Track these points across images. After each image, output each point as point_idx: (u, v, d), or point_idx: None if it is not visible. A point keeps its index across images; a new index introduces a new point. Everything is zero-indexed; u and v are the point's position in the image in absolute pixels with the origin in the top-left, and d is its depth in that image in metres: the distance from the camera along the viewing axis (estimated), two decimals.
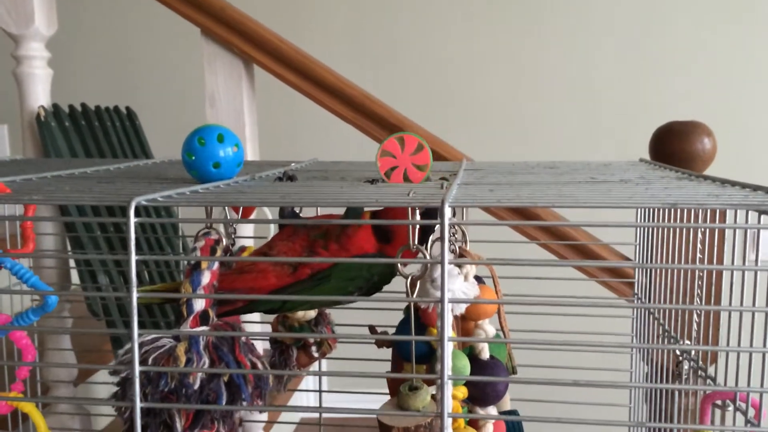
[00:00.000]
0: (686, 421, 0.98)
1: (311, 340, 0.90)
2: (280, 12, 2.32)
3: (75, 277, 1.45)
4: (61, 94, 1.50)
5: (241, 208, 0.80)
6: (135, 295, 0.51)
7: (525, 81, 2.29)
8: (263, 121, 1.54)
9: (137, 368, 0.51)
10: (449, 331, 0.52)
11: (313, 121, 2.30)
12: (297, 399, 1.93)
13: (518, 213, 1.13)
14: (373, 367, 0.99)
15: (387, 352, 1.02)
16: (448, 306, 0.65)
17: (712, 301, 0.88)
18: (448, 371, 0.51)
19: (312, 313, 0.93)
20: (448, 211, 0.47)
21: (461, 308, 0.67)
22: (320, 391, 1.12)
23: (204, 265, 0.65)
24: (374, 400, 1.09)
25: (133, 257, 0.51)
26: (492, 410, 0.75)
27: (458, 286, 0.65)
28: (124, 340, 1.26)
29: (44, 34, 1.34)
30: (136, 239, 1.29)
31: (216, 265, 0.66)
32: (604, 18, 2.25)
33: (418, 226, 0.74)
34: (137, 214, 0.51)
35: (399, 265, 0.61)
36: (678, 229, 1.05)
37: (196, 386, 0.56)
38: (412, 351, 0.68)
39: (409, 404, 0.60)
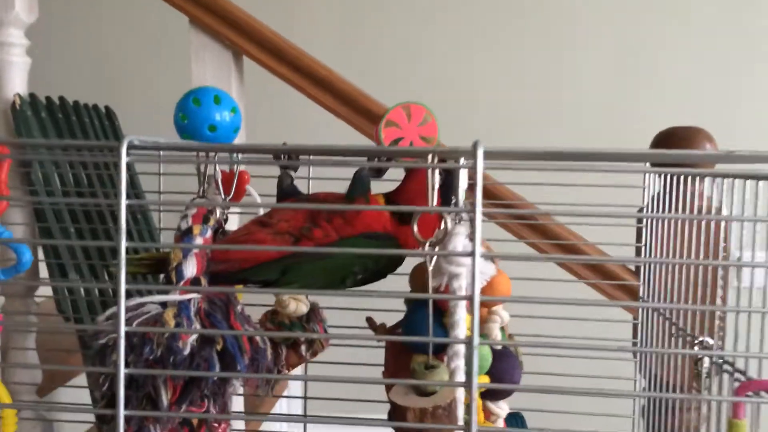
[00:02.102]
0: None
1: (302, 339, 0.84)
2: (270, 4, 2.26)
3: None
4: (38, 87, 1.44)
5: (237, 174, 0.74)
6: (123, 243, 0.45)
7: (518, 81, 2.24)
8: (252, 116, 1.48)
9: (123, 327, 0.45)
10: (475, 327, 0.46)
11: (304, 117, 2.22)
12: (279, 407, 1.84)
13: (534, 229, 1.10)
14: (367, 372, 0.93)
15: (379, 355, 0.96)
16: (463, 290, 0.61)
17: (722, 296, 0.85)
18: (476, 377, 0.45)
19: (304, 308, 0.87)
20: (480, 156, 0.42)
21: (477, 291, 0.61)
22: (305, 398, 1.05)
23: (196, 231, 0.59)
24: (366, 408, 1.03)
25: (123, 202, 0.45)
26: (504, 405, 0.69)
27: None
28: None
29: (24, 21, 1.28)
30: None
31: (209, 232, 0.60)
32: (595, 22, 2.24)
33: (437, 193, 0.69)
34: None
35: (416, 232, 0.56)
36: (684, 225, 1.02)
37: (186, 351, 0.49)
38: (436, 344, 0.62)
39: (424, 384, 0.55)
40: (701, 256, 1.00)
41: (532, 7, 2.26)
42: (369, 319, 0.75)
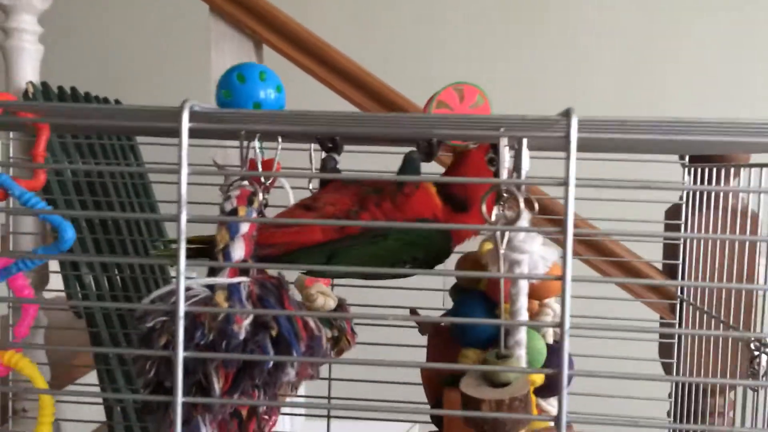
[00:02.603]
0: None
1: (328, 335, 0.80)
2: None
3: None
4: (48, 76, 1.40)
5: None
6: (184, 216, 0.42)
7: (529, 77, 2.20)
8: None
9: (182, 306, 0.42)
10: (566, 309, 0.43)
11: (326, 109, 2.17)
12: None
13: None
14: (397, 373, 0.89)
15: (413, 354, 0.93)
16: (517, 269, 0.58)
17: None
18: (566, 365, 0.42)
19: (332, 303, 0.83)
20: (574, 126, 0.39)
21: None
22: (329, 398, 1.02)
23: (242, 212, 0.56)
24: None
25: (185, 171, 0.42)
26: (554, 401, 0.66)
27: (537, 249, 0.56)
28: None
29: (38, 7, 1.24)
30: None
31: (254, 215, 0.57)
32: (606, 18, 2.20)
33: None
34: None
35: (484, 210, 0.52)
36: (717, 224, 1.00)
37: (242, 336, 0.46)
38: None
39: (499, 374, 0.51)
40: (736, 258, 0.97)
41: (544, 6, 2.22)
42: (413, 311, 0.71)
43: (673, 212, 1.09)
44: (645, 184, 0.80)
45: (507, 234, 0.56)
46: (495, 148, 0.69)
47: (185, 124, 0.41)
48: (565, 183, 0.39)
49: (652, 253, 1.16)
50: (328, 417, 1.00)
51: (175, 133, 0.41)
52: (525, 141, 0.47)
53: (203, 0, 1.19)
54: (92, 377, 1.22)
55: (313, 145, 0.91)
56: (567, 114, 0.39)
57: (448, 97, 0.64)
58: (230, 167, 0.97)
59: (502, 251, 0.53)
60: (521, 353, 0.56)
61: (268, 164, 0.71)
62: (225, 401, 0.46)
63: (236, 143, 1.05)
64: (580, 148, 0.62)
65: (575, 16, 2.24)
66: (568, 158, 0.39)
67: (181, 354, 0.41)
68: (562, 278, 0.41)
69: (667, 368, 1.04)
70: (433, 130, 0.51)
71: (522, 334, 0.58)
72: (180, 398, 0.41)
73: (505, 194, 0.51)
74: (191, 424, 0.47)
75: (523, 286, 0.58)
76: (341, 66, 1.18)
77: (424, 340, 0.75)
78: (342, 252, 0.59)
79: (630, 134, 0.40)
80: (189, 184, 0.43)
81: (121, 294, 1.15)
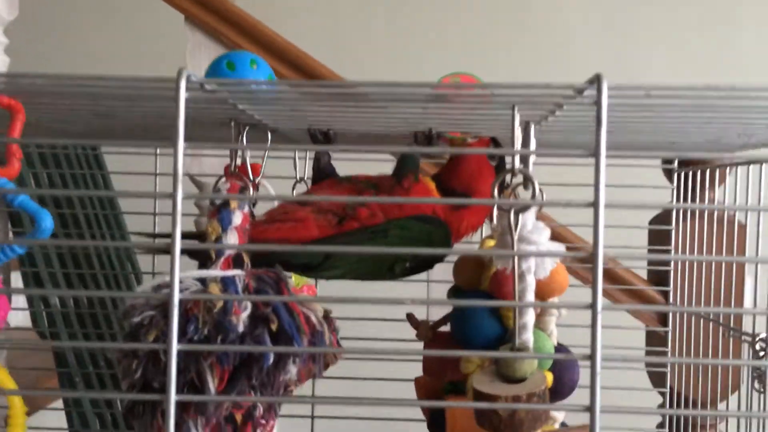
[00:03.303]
0: None
1: None
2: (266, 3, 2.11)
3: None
4: None
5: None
6: (180, 196, 0.38)
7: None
8: None
9: (176, 295, 0.38)
10: (598, 291, 0.40)
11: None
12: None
13: None
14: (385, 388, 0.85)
15: (393, 370, 0.88)
16: (532, 272, 0.55)
17: None
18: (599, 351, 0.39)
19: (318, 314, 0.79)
20: (605, 92, 0.37)
21: (546, 273, 0.55)
22: (312, 417, 0.97)
23: (234, 205, 0.52)
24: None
25: (181, 147, 0.38)
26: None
27: (545, 242, 0.54)
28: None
29: (4, 18, 1.19)
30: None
31: (246, 208, 0.53)
32: None
33: (492, 172, 0.64)
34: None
35: (496, 197, 0.50)
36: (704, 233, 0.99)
37: (240, 329, 0.42)
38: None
39: (515, 369, 0.48)
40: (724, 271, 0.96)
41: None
42: (410, 316, 0.68)
43: (659, 221, 1.08)
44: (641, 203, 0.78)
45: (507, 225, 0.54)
46: (495, 142, 0.67)
47: (182, 93, 0.38)
48: (595, 154, 0.37)
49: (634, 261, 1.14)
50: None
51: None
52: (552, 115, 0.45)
53: (178, 10, 1.16)
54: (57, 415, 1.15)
55: (297, 153, 0.88)
56: (597, 79, 0.37)
57: (446, 89, 0.62)
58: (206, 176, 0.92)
59: (516, 237, 0.50)
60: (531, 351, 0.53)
61: (255, 168, 0.68)
62: (221, 398, 0.42)
63: (212, 152, 1.01)
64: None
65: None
66: (598, 126, 0.37)
67: (174, 346, 0.37)
68: (592, 307, 0.38)
69: (658, 378, 1.02)
70: (444, 112, 0.48)
71: (530, 333, 0.55)
72: (173, 396, 0.37)
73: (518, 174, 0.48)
74: (182, 430, 0.43)
75: (531, 282, 0.55)
76: (321, 75, 1.15)
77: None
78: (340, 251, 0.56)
79: (665, 99, 0.38)
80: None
81: (87, 312, 1.09)
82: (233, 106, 0.50)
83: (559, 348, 0.64)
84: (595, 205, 0.37)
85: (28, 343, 1.12)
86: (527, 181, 0.51)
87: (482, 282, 0.66)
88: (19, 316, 1.39)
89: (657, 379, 1.03)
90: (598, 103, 0.37)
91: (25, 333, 1.35)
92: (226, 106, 0.51)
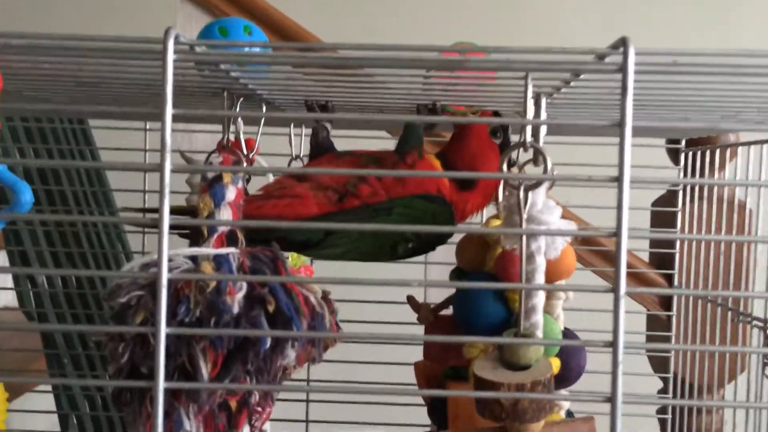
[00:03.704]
0: None
1: None
2: None
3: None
4: None
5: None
6: (168, 166, 0.35)
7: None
8: None
9: (165, 273, 0.35)
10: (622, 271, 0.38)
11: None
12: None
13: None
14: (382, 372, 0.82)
15: (395, 353, 0.86)
16: (542, 252, 0.52)
17: None
18: (622, 338, 0.36)
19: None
20: (632, 56, 0.34)
21: (557, 253, 0.53)
22: (307, 401, 0.95)
23: (227, 179, 0.49)
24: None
25: (169, 109, 0.35)
26: (565, 393, 0.60)
27: (556, 221, 0.51)
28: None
29: None
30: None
31: (240, 182, 0.50)
32: None
33: (497, 151, 0.61)
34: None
35: (505, 171, 0.47)
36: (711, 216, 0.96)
37: (235, 310, 0.39)
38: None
39: (520, 356, 0.46)
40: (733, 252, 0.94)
41: None
42: (411, 298, 0.65)
43: (662, 203, 1.05)
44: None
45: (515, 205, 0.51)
46: (498, 115, 0.64)
47: (170, 54, 0.35)
48: (621, 124, 0.34)
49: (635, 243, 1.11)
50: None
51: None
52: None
53: None
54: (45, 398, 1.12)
55: (293, 129, 0.84)
56: (623, 42, 0.34)
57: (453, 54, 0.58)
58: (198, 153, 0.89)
59: (525, 215, 0.47)
60: (539, 335, 0.50)
61: (249, 143, 0.65)
62: (214, 386, 0.39)
63: (203, 127, 0.97)
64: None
65: None
66: (624, 94, 0.34)
67: (163, 329, 0.34)
68: (614, 290, 0.35)
69: (659, 363, 1.00)
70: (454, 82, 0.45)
71: (539, 316, 0.52)
72: (161, 383, 0.34)
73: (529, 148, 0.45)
74: (173, 418, 0.40)
75: (541, 263, 0.52)
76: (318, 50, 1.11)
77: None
78: (341, 229, 0.53)
79: (695, 66, 0.35)
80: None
81: (76, 292, 1.06)
82: (225, 73, 0.47)
83: (566, 333, 0.61)
84: (619, 180, 0.34)
85: (8, 325, 1.09)
86: (538, 157, 0.48)
87: (486, 263, 0.63)
88: (8, 296, 1.35)
89: (658, 364, 1.01)
90: (623, 68, 0.34)
91: (12, 314, 1.32)
92: (218, 74, 0.48)
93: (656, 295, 1.01)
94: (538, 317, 0.52)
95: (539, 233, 0.46)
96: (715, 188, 0.96)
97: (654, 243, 1.03)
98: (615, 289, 0.35)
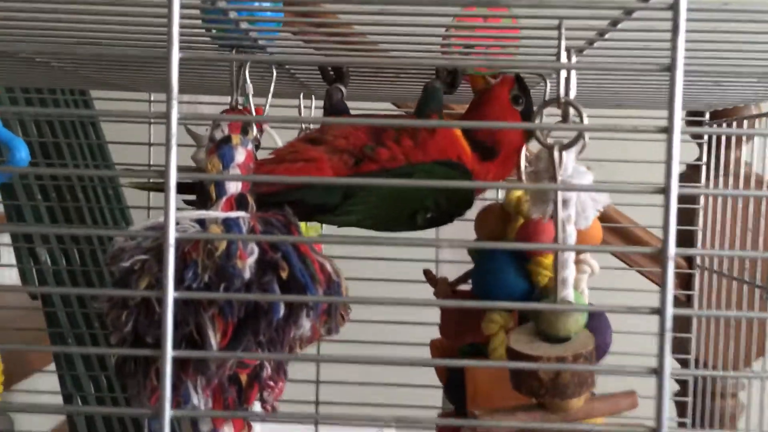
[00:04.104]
0: None
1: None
2: None
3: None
4: None
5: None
6: (175, 114, 0.32)
7: None
8: None
9: (172, 233, 0.32)
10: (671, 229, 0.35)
11: None
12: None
13: None
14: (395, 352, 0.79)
15: (409, 333, 0.82)
16: (572, 220, 0.49)
17: None
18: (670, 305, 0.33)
19: None
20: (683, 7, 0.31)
21: (588, 223, 0.49)
22: (317, 382, 0.92)
23: (236, 140, 0.46)
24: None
25: (175, 57, 0.32)
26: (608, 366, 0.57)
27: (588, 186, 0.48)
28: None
29: None
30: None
31: (250, 145, 0.47)
32: None
33: (522, 134, 0.58)
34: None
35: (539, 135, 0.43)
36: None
37: (246, 275, 0.36)
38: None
39: (558, 327, 0.43)
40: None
41: None
42: (427, 272, 0.62)
43: (682, 180, 1.02)
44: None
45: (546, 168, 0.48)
46: (520, 81, 0.61)
47: (176, 9, 0.32)
48: (671, 68, 0.31)
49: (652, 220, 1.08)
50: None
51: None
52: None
53: None
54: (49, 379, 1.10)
55: (303, 100, 0.81)
56: None
57: (470, 19, 0.55)
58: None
59: (560, 177, 0.44)
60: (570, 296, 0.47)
61: (258, 112, 0.62)
62: (225, 355, 0.36)
63: (207, 98, 0.94)
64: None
65: None
66: (675, 35, 0.30)
67: (170, 293, 0.31)
68: (662, 252, 0.32)
69: (678, 344, 0.97)
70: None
71: (570, 290, 0.49)
72: (170, 351, 0.32)
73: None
74: (180, 391, 0.38)
75: (572, 232, 0.49)
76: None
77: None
78: (362, 190, 0.50)
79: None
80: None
81: (80, 269, 1.03)
82: (235, 25, 0.44)
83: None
84: (669, 131, 0.31)
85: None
86: (567, 114, 0.45)
87: (507, 235, 0.60)
88: (12, 275, 1.33)
89: (676, 345, 0.98)
90: (674, 5, 0.31)
91: (15, 296, 1.30)
92: (227, 24, 0.45)
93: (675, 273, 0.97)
94: (569, 290, 0.49)
95: (586, 189, 0.43)
96: (743, 164, 0.93)
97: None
98: (663, 251, 0.32)
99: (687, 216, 0.96)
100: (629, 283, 0.98)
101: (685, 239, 0.95)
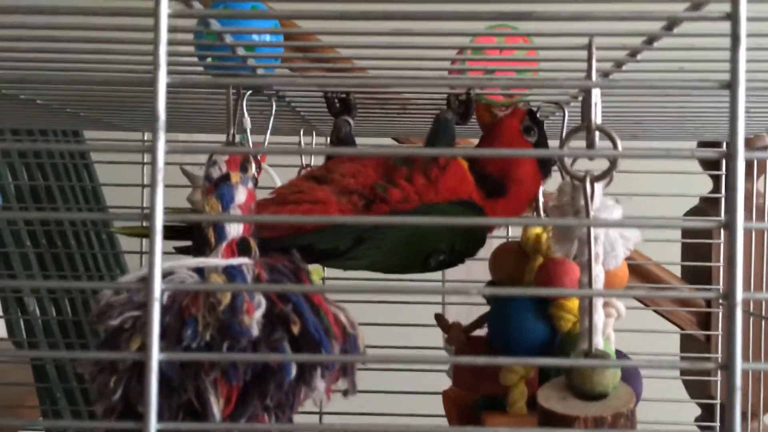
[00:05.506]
0: None
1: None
2: None
3: None
4: None
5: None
6: (162, 144, 0.28)
7: None
8: None
9: (158, 287, 0.27)
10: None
11: None
12: None
13: None
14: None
15: (417, 381, 0.77)
16: (600, 259, 0.45)
17: None
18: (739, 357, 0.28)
19: None
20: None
21: (618, 262, 0.45)
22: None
23: (234, 179, 0.42)
24: None
25: (163, 74, 0.28)
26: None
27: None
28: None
29: None
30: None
31: (251, 184, 0.43)
32: None
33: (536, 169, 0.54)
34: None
35: (566, 159, 0.40)
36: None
37: (254, 332, 0.32)
38: None
39: (593, 383, 0.38)
40: None
41: None
42: (438, 316, 0.58)
43: (695, 213, 0.98)
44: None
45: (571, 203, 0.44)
46: (532, 114, 0.57)
47: (164, 15, 0.28)
48: (731, 84, 0.27)
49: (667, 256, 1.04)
50: None
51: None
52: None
53: None
54: None
55: (303, 136, 0.78)
56: None
57: (486, 41, 0.52)
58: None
59: (592, 212, 0.40)
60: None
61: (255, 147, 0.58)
62: (225, 427, 0.31)
63: (204, 137, 0.91)
64: None
65: None
66: (735, 46, 0.27)
67: (155, 354, 0.27)
68: (728, 297, 0.28)
69: (697, 388, 0.92)
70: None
71: (600, 336, 0.45)
72: (153, 425, 0.27)
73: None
74: None
75: (600, 273, 0.45)
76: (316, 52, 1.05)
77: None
78: (375, 235, 0.46)
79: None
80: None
81: (70, 320, 0.98)
82: (231, 49, 0.40)
83: (618, 354, 0.54)
84: (731, 156, 0.27)
85: None
86: (592, 143, 0.41)
87: (525, 275, 0.56)
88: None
89: (696, 389, 0.93)
90: (733, 15, 0.27)
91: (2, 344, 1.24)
92: (222, 49, 0.41)
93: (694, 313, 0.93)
94: (599, 338, 0.45)
95: (630, 225, 0.39)
96: (756, 195, 0.90)
97: (688, 256, 0.96)
98: (729, 297, 0.28)
99: (701, 251, 0.92)
100: (644, 324, 0.93)
101: (703, 276, 0.91)
